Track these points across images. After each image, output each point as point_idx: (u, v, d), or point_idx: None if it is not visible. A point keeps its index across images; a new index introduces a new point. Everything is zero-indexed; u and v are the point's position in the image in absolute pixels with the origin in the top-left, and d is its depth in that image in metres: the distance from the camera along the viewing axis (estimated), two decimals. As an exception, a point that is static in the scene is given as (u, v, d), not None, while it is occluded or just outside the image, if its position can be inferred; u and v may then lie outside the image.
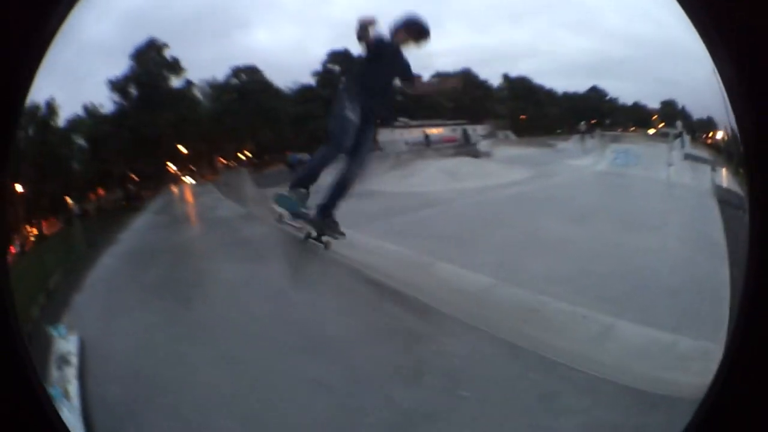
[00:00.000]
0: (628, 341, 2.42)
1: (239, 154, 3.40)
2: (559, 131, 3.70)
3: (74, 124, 2.52)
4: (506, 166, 3.66)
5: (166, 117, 3.20)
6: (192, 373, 2.12)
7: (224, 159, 3.38)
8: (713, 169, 3.22)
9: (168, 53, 2.92)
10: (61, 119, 2.37)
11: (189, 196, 3.11)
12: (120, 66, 2.76)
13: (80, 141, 2.70)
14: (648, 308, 2.60)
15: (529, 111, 3.56)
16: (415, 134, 3.55)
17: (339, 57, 3.19)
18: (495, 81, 3.46)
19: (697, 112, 3.10)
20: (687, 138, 3.34)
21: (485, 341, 2.30)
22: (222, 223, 3.16)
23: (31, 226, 2.19)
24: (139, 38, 2.78)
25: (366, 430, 1.82)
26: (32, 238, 2.22)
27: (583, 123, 3.59)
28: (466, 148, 3.66)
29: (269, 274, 2.80)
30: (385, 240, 3.01)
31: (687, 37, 2.31)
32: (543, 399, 2.04)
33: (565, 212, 3.40)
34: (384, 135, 3.35)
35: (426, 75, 3.30)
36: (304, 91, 3.29)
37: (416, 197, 3.49)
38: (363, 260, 2.89)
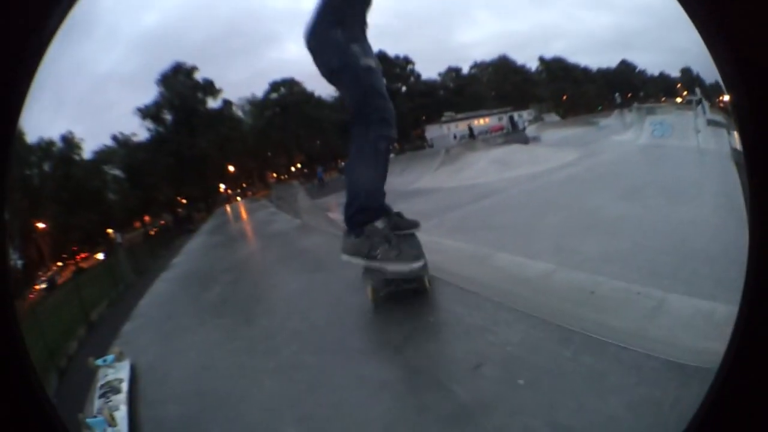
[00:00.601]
0: (677, 314, 2.42)
1: (290, 167, 3.53)
2: (600, 108, 3.82)
3: (104, 155, 2.58)
4: (555, 149, 3.73)
5: (209, 138, 3.29)
6: (254, 383, 2.03)
7: (274, 173, 3.52)
8: (728, 132, 3.29)
9: (199, 75, 3.02)
10: (86, 152, 2.42)
11: (243, 213, 3.17)
12: (147, 93, 2.83)
13: (114, 171, 2.76)
14: (693, 279, 2.70)
15: (568, 90, 3.69)
16: (462, 127, 3.67)
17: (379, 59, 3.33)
18: (532, 64, 3.61)
19: (709, 78, 3.11)
20: (707, 104, 3.44)
21: (539, 328, 2.41)
22: (278, 236, 3.07)
23: (62, 262, 2.14)
24: (160, 64, 2.83)
25: (429, 427, 1.90)
26: (64, 274, 2.18)
27: (618, 95, 3.71)
28: (514, 135, 3.77)
29: (327, 282, 2.74)
30: (442, 236, 3.02)
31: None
32: (592, 380, 2.19)
33: (615, 190, 3.46)
34: (432, 131, 3.49)
35: (465, 67, 3.45)
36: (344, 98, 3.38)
37: (469, 190, 3.53)
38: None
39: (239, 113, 3.57)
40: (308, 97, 3.34)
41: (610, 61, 3.56)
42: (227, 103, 3.37)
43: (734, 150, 3.16)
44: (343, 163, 3.20)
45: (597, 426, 1.75)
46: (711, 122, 3.50)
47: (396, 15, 2.89)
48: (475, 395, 1.67)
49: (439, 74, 3.53)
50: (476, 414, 1.57)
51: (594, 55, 3.48)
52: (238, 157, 3.53)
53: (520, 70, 3.59)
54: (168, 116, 3.21)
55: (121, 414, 1.76)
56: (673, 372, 2.08)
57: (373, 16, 2.87)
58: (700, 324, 2.31)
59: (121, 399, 1.85)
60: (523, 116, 3.73)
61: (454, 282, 2.47)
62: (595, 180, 3.63)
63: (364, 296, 2.34)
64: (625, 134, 3.75)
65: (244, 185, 3.43)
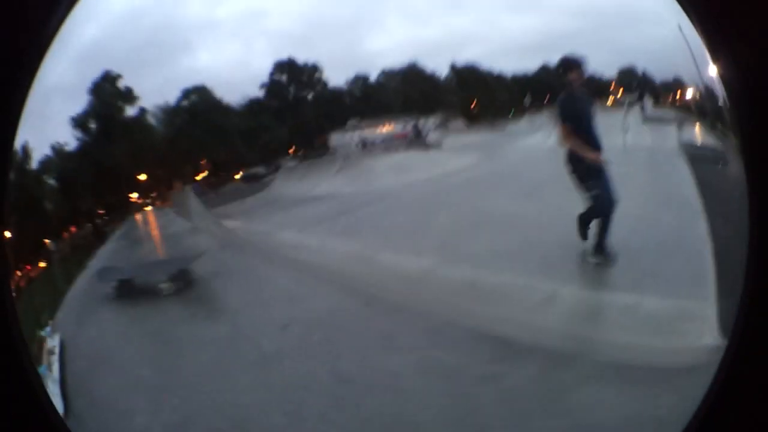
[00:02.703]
0: (568, 307, 2.86)
1: (195, 176, 3.85)
2: (511, 114, 4.15)
3: (44, 165, 2.91)
4: (454, 155, 4.00)
5: (124, 147, 3.62)
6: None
7: (181, 182, 3.84)
8: (680, 128, 3.61)
9: (121, 83, 3.33)
10: (34, 161, 2.78)
11: (150, 220, 3.60)
12: (81, 102, 3.17)
13: (51, 181, 3.14)
14: (599, 272, 3.08)
15: (479, 97, 4.04)
16: (366, 134, 4.02)
17: (284, 67, 3.72)
18: (442, 72, 3.96)
19: (662, 75, 3.51)
20: (648, 102, 3.77)
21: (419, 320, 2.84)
22: (170, 237, 3.65)
23: (20, 271, 2.59)
24: (95, 73, 3.17)
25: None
26: (22, 283, 2.69)
27: (527, 99, 4.05)
28: (416, 141, 4.11)
29: (200, 277, 3.35)
30: (332, 239, 3.51)
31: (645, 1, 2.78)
32: (463, 369, 2.56)
33: (513, 189, 3.90)
34: (336, 139, 3.85)
35: (373, 74, 3.84)
36: (252, 105, 3.73)
37: (364, 196, 3.92)
38: (308, 260, 3.41)
39: (152, 121, 3.79)
40: (216, 104, 3.57)
41: (529, 66, 3.84)
42: (143, 111, 3.57)
43: (687, 144, 3.54)
44: (245, 172, 3.58)
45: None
46: (650, 119, 3.84)
47: (306, 22, 3.20)
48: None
49: (347, 82, 3.80)
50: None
51: (512, 61, 3.77)
52: (149, 165, 3.72)
53: (429, 78, 3.83)
54: (93, 126, 3.39)
55: (56, 367, 2.54)
56: (561, 360, 2.53)
57: (281, 23, 3.32)
58: (592, 315, 2.81)
59: (55, 359, 2.59)
60: (429, 123, 3.97)
61: (333, 280, 3.12)
62: (491, 182, 4.02)
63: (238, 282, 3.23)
64: (532, 138, 4.08)
65: (153, 194, 3.66)
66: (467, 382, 2.59)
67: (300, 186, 3.50)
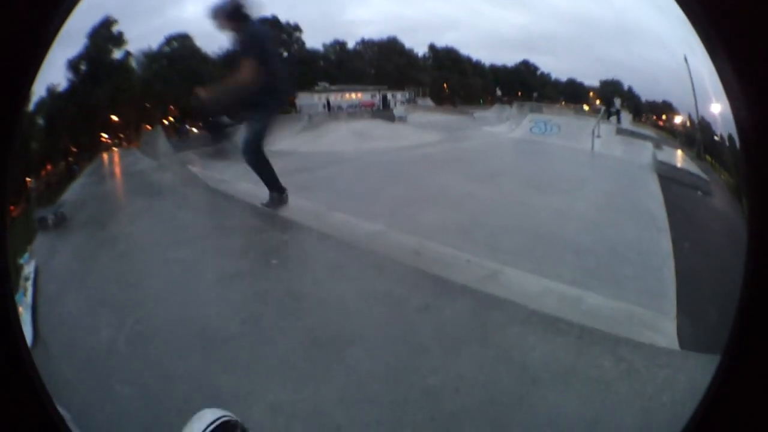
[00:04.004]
0: (509, 286, 2.84)
1: (164, 120, 3.81)
2: (482, 101, 4.14)
3: (38, 106, 2.89)
4: (418, 130, 4.07)
5: (105, 88, 3.58)
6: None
7: (151, 124, 3.80)
8: (657, 147, 3.58)
9: (116, 29, 3.29)
10: (32, 104, 2.75)
11: (116, 160, 3.60)
12: (78, 46, 3.16)
13: (40, 121, 3.12)
14: (544, 261, 3.05)
15: (452, 80, 4.03)
16: (334, 99, 4.00)
17: (267, 23, 3.67)
18: (420, 50, 3.94)
19: (650, 95, 3.50)
20: (626, 116, 3.78)
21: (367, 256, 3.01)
22: (137, 174, 3.72)
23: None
24: (95, 18, 3.15)
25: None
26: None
27: (498, 90, 4.04)
28: (382, 112, 4.09)
29: (166, 209, 3.49)
30: (288, 193, 3.52)
31: (653, 22, 2.76)
32: (404, 299, 2.70)
33: (471, 172, 3.86)
34: (303, 99, 3.83)
35: (351, 42, 3.82)
36: (228, 56, 3.66)
37: (324, 156, 3.99)
38: (264, 211, 3.49)
39: (134, 65, 3.76)
40: (194, 52, 3.54)
41: (509, 59, 3.83)
42: (128, 55, 3.53)
43: (662, 163, 3.51)
44: (211, 120, 3.55)
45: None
46: (625, 132, 3.81)
47: None
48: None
49: (324, 46, 3.79)
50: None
51: (492, 52, 3.75)
52: (124, 107, 3.69)
53: (406, 54, 3.81)
54: (84, 67, 3.36)
55: (30, 293, 2.60)
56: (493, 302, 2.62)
57: None
58: (532, 297, 2.75)
59: (29, 284, 2.66)
60: (397, 96, 3.95)
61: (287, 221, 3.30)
62: (450, 161, 4.05)
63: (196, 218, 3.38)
64: (498, 127, 4.08)
65: (122, 135, 3.62)
66: (407, 311, 2.66)
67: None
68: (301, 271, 3.05)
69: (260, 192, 3.54)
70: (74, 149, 3.56)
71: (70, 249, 3.13)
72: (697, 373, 1.98)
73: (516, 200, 3.63)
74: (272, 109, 3.52)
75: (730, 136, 1.86)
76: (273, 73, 3.43)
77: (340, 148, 3.96)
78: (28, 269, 2.76)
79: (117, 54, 3.47)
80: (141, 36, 3.42)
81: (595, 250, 3.18)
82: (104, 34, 3.25)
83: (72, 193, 3.28)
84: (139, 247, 3.29)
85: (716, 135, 2.43)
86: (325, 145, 3.96)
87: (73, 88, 3.18)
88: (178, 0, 3.41)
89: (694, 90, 2.39)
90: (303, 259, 3.19)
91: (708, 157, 2.81)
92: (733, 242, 1.57)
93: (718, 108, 1.90)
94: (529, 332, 2.51)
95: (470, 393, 2.19)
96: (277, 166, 3.45)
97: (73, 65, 3.15)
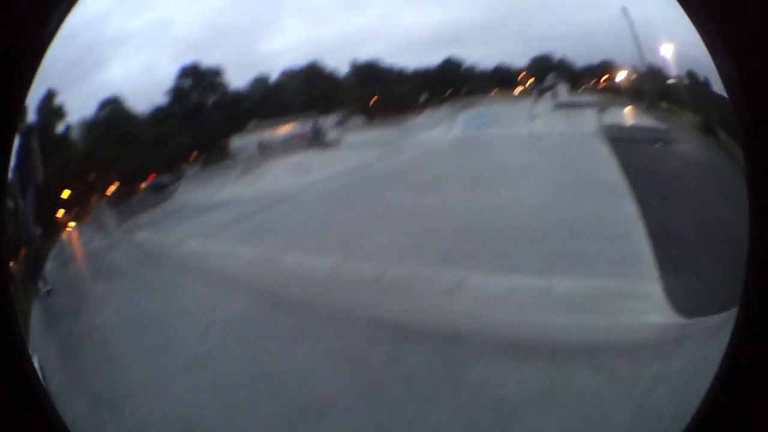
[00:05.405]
0: (475, 293, 2.80)
1: (107, 189, 3.71)
2: (411, 108, 4.06)
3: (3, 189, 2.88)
4: (354, 152, 3.99)
5: (54, 163, 3.49)
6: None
7: (97, 196, 3.70)
8: (602, 111, 3.62)
9: (56, 101, 3.21)
10: None
11: (75, 238, 3.53)
12: (30, 121, 3.11)
13: (10, 204, 3.06)
14: (504, 258, 2.95)
15: (378, 93, 3.94)
16: (265, 136, 3.92)
17: (187, 72, 3.58)
18: (342, 69, 3.84)
19: (586, 59, 3.38)
20: (563, 88, 3.67)
21: (323, 314, 2.90)
22: (94, 255, 3.58)
23: None
24: (41, 91, 3.11)
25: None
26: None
27: (425, 94, 3.95)
28: (315, 140, 4.02)
29: (126, 292, 3.34)
30: (236, 245, 3.43)
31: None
32: (366, 355, 2.63)
33: (412, 183, 3.54)
34: (235, 142, 3.73)
35: (273, 75, 3.72)
36: (157, 112, 3.60)
37: (265, 198, 3.69)
38: (216, 267, 3.38)
39: (75, 136, 3.63)
40: (126, 115, 3.44)
41: (432, 60, 3.73)
42: (69, 127, 3.41)
43: (610, 126, 3.38)
44: (151, 182, 3.46)
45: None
46: (564, 105, 3.63)
47: (208, 27, 3.08)
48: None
49: (247, 84, 3.69)
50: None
51: (414, 56, 3.66)
52: (71, 181, 3.59)
53: (329, 76, 3.76)
54: (35, 143, 3.24)
55: None
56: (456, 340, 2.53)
57: (185, 30, 3.24)
58: (502, 299, 2.74)
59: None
60: (327, 121, 3.90)
61: (241, 285, 3.21)
62: (391, 177, 3.82)
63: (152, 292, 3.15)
64: (433, 131, 4.00)
65: (75, 210, 3.50)
66: (371, 366, 2.66)
67: (203, 193, 3.37)
68: (264, 343, 3.01)
69: (210, 248, 3.44)
70: (39, 229, 3.50)
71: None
72: (691, 363, 2.00)
73: (464, 202, 3.41)
74: None
75: (689, 72, 2.08)
76: None
77: (280, 186, 3.85)
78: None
79: (60, 127, 3.37)
80: (79, 105, 3.33)
81: (553, 233, 2.95)
82: (47, 108, 3.17)
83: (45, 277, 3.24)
84: (109, 338, 3.22)
85: (670, 77, 2.41)
86: (265, 185, 3.85)
87: (27, 164, 3.12)
88: (102, 63, 3.29)
89: (637, 39, 2.32)
90: (263, 330, 3.12)
91: (664, 104, 2.73)
92: (705, 181, 1.72)
93: (669, 48, 2.01)
94: (499, 364, 2.47)
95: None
96: (221, 217, 3.37)
97: (23, 140, 3.09)
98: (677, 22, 2.05)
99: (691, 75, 1.95)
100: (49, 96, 3.13)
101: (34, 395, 1.45)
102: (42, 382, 1.56)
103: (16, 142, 3.24)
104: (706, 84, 2.01)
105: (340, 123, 4.16)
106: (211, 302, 3.31)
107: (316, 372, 2.68)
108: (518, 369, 2.41)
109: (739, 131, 1.39)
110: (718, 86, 1.86)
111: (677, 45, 1.48)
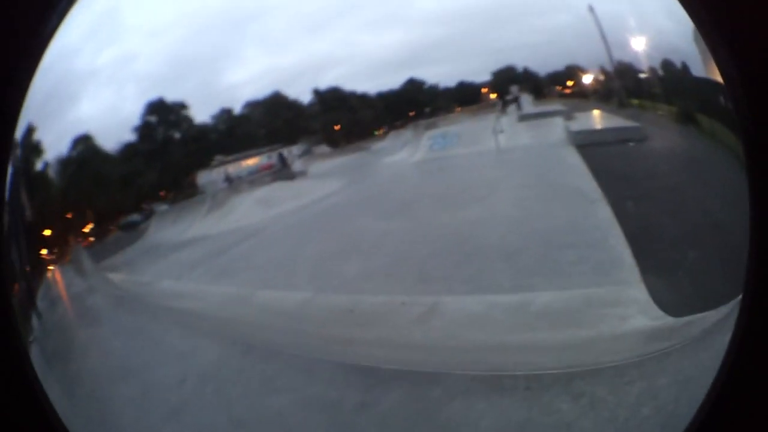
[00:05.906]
0: (451, 316, 2.74)
1: (83, 227, 3.66)
2: (375, 133, 4.01)
3: None
4: (320, 181, 3.94)
5: (35, 203, 3.44)
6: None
7: (75, 234, 3.64)
8: (568, 118, 3.45)
9: (34, 137, 3.16)
10: None
11: (58, 279, 3.47)
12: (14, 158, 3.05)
13: None
14: (478, 277, 2.92)
15: (342, 119, 3.90)
16: (232, 170, 3.87)
17: (152, 108, 3.54)
18: (305, 97, 3.81)
19: (550, 66, 3.25)
20: (527, 99, 3.65)
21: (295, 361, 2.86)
22: (75, 298, 3.46)
23: None
24: (22, 127, 3.04)
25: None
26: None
27: (387, 118, 3.91)
28: (282, 172, 3.97)
29: (107, 339, 3.29)
30: (208, 283, 3.43)
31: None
32: (339, 401, 2.56)
33: (382, 210, 3.74)
34: (202, 177, 3.69)
35: (237, 107, 3.67)
36: (125, 150, 3.59)
37: (234, 234, 3.81)
38: (189, 308, 3.34)
39: (52, 174, 3.60)
40: (96, 152, 3.40)
41: (394, 82, 3.72)
42: (46, 165, 3.38)
43: (578, 132, 3.36)
44: (122, 221, 3.42)
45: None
46: (528, 116, 3.63)
47: (171, 62, 3.07)
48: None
49: (211, 117, 3.67)
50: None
51: (375, 79, 3.65)
52: (50, 220, 3.55)
53: (292, 105, 3.72)
54: (20, 181, 3.20)
55: None
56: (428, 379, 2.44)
57: (149, 66, 3.19)
58: (477, 321, 2.66)
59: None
60: (293, 151, 3.86)
61: (214, 330, 3.11)
62: (358, 204, 3.91)
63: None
64: (398, 155, 3.97)
65: (55, 250, 3.47)
66: (345, 411, 2.53)
67: (173, 230, 3.35)
68: (238, 391, 2.94)
69: (183, 288, 3.41)
70: (27, 269, 3.44)
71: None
72: (676, 372, 1.94)
73: (433, 224, 3.47)
74: None
75: (664, 62, 1.96)
76: None
77: (249, 221, 3.83)
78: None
79: (38, 165, 3.33)
80: (54, 141, 3.29)
81: (527, 247, 3.04)
82: (27, 144, 3.12)
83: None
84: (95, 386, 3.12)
85: (641, 71, 2.31)
86: (234, 221, 3.83)
87: (14, 205, 3.06)
88: (75, 98, 3.26)
89: (605, 38, 2.28)
90: (237, 378, 3.05)
91: (635, 100, 2.70)
92: (684, 174, 1.67)
93: (641, 41, 1.89)
94: (474, 400, 2.35)
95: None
96: (192, 255, 3.36)
97: (12, 182, 3.03)
98: (652, 11, 1.93)
99: (667, 64, 1.84)
100: (29, 131, 3.09)
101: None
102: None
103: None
104: (685, 70, 1.89)
105: (305, 153, 4.10)
106: (186, 350, 3.26)
107: (291, 420, 2.56)
108: (494, 404, 2.31)
109: (736, 123, 1.24)
110: (698, 69, 1.76)
111: (650, 36, 1.44)
